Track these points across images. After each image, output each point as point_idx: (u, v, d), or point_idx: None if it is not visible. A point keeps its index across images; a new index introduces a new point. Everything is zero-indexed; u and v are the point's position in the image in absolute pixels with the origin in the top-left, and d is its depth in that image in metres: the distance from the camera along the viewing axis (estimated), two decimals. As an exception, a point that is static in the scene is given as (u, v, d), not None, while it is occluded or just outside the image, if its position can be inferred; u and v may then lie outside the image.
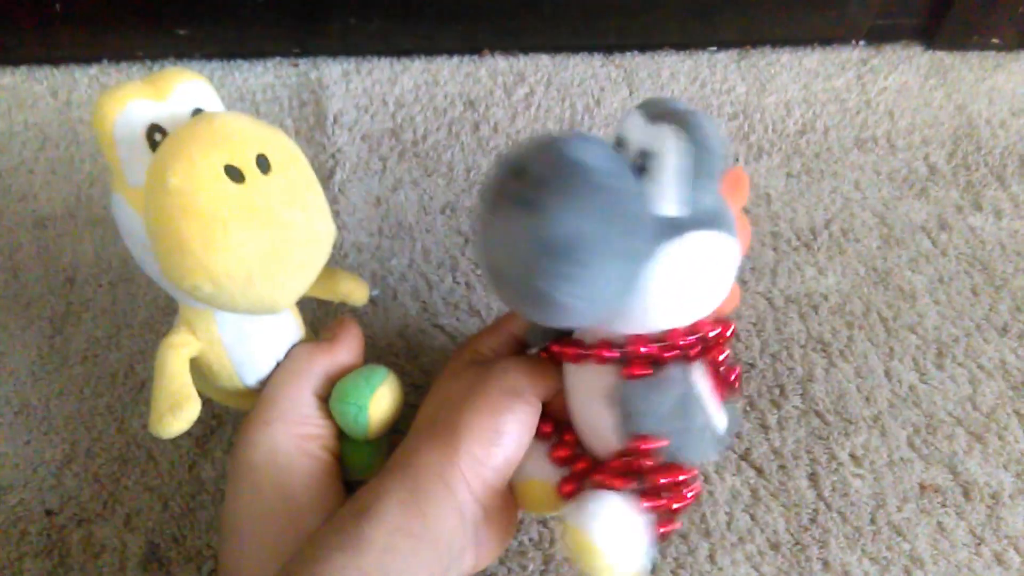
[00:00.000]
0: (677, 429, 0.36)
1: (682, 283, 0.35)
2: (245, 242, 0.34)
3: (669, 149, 0.33)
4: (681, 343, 0.37)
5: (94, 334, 0.56)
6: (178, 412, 0.37)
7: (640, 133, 0.35)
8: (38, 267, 0.60)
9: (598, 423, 0.39)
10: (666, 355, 0.37)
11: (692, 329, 0.38)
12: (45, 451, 0.51)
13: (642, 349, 0.37)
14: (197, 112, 0.38)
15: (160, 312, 0.57)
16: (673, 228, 0.34)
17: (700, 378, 0.38)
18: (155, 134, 0.36)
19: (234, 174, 0.33)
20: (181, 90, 0.37)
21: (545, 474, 0.42)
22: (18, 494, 0.49)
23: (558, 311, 0.34)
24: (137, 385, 0.53)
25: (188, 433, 0.50)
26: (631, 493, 0.38)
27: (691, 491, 0.39)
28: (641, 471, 0.37)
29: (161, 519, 0.48)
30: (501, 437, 0.39)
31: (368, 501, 0.37)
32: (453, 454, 0.38)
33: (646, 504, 0.37)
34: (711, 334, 0.38)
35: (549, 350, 0.42)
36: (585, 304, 0.33)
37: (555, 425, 0.42)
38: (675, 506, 0.38)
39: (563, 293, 0.32)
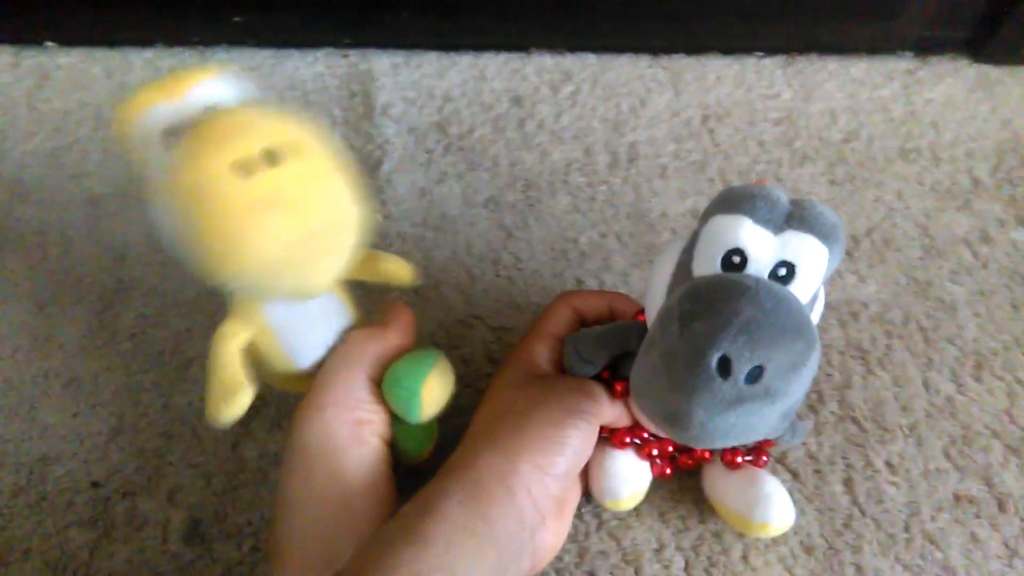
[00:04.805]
0: None
1: None
2: (264, 233, 0.34)
3: (812, 258, 0.36)
4: None
5: (142, 311, 0.57)
6: (231, 399, 0.39)
7: (767, 243, 0.37)
8: (90, 244, 0.61)
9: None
10: None
11: None
12: (92, 424, 0.52)
13: None
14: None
15: (208, 292, 0.58)
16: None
17: None
18: (171, 137, 0.36)
19: (242, 170, 0.34)
20: (196, 91, 0.38)
21: (644, 483, 0.47)
22: (65, 465, 0.51)
23: None
24: (184, 363, 0.55)
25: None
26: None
27: None
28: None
29: (204, 495, 0.49)
30: (564, 448, 0.40)
31: (431, 500, 0.38)
32: (515, 460, 0.39)
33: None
34: None
35: (613, 388, 0.44)
36: None
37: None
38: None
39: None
